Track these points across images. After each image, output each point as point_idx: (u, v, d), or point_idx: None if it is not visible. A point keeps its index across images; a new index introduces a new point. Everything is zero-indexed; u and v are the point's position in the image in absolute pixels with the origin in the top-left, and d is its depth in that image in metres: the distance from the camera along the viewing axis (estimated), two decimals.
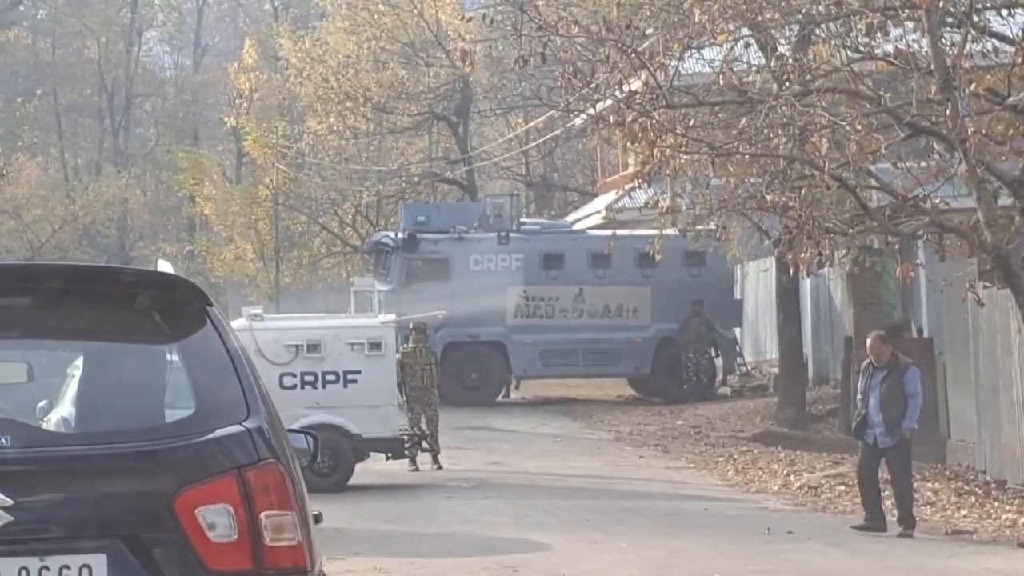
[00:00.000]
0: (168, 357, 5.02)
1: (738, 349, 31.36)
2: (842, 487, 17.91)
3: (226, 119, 49.71)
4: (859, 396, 15.43)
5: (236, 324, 16.76)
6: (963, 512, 16.21)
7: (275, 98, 48.21)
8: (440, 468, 20.23)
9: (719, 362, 30.69)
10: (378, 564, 13.10)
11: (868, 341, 15.81)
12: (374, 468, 19.47)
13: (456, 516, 16.22)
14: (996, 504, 16.29)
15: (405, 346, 20.78)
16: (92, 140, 63.62)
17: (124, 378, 4.95)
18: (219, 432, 4.71)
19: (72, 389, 5.37)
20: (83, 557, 4.58)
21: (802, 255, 16.05)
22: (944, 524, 15.57)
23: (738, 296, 31.95)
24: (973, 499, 16.88)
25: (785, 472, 19.74)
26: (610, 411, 28.92)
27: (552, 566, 12.95)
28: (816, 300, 29.49)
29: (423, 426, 20.43)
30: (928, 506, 16.67)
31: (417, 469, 20.12)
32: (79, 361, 5.29)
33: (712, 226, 20.10)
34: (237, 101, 49.65)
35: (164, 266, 5.78)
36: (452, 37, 40.53)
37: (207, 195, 48.68)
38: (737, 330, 31.37)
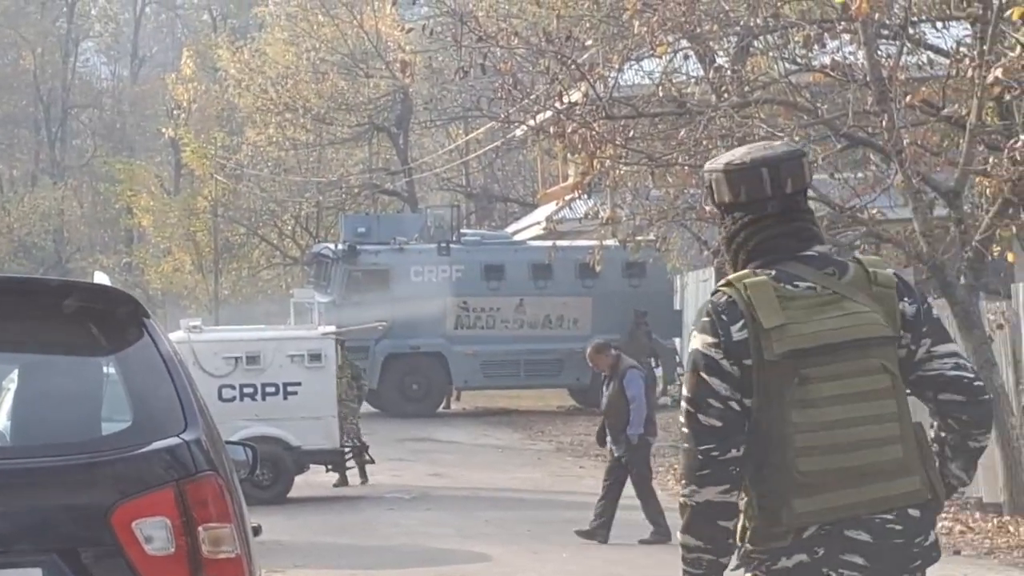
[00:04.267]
0: (104, 369, 4.99)
1: (677, 359, 31.48)
2: None
3: (164, 130, 49.47)
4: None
5: (174, 336, 16.67)
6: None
7: (214, 109, 48.02)
8: (346, 484, 19.64)
9: (659, 372, 30.78)
10: None
11: (587, 353, 15.45)
12: (315, 480, 19.40)
13: (398, 528, 16.19)
14: None
15: None
16: (28, 151, 63.15)
17: (60, 391, 4.91)
18: (156, 444, 4.68)
19: (7, 402, 5.32)
20: (19, 572, 4.54)
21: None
22: None
23: (677, 306, 32.07)
24: None
25: None
26: (551, 422, 28.95)
27: None
28: None
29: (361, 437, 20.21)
30: None
31: (365, 481, 19.78)
32: (14, 374, 5.25)
33: (652, 237, 20.18)
34: (175, 112, 49.42)
35: (101, 278, 5.75)
36: (392, 48, 40.51)
37: (145, 207, 48.44)
38: (677, 340, 31.49)
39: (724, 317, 4.10)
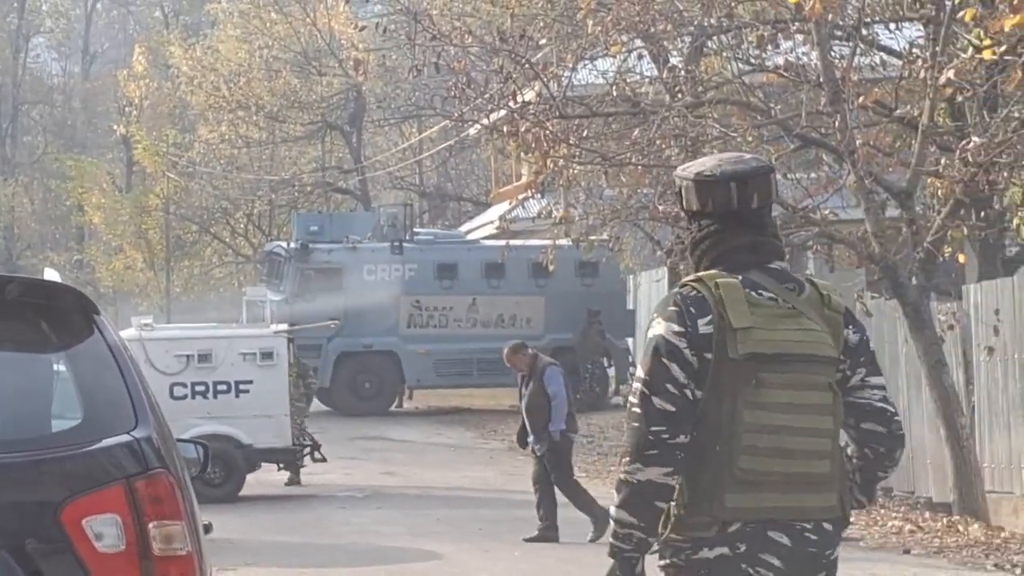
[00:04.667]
0: (55, 366, 4.96)
1: (630, 359, 31.55)
2: None
3: (116, 127, 49.18)
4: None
5: (126, 334, 16.58)
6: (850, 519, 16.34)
7: (166, 106, 47.78)
8: (298, 483, 19.50)
9: (611, 372, 30.85)
10: (270, 574, 13.01)
11: (504, 354, 15.25)
12: (267, 479, 19.34)
13: (350, 526, 16.16)
14: (883, 511, 16.50)
15: None
16: None
17: (9, 388, 4.87)
18: (107, 442, 4.65)
19: None
20: None
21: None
22: None
23: (631, 306, 32.14)
24: None
25: None
26: (504, 420, 28.93)
27: (445, 575, 12.94)
28: None
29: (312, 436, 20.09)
30: None
31: (297, 482, 19.63)
32: None
33: (605, 236, 20.22)
34: (127, 109, 49.14)
35: (51, 275, 5.71)
36: (345, 46, 40.41)
37: (96, 204, 48.18)
38: (630, 340, 31.56)
39: (692, 310, 4.26)
